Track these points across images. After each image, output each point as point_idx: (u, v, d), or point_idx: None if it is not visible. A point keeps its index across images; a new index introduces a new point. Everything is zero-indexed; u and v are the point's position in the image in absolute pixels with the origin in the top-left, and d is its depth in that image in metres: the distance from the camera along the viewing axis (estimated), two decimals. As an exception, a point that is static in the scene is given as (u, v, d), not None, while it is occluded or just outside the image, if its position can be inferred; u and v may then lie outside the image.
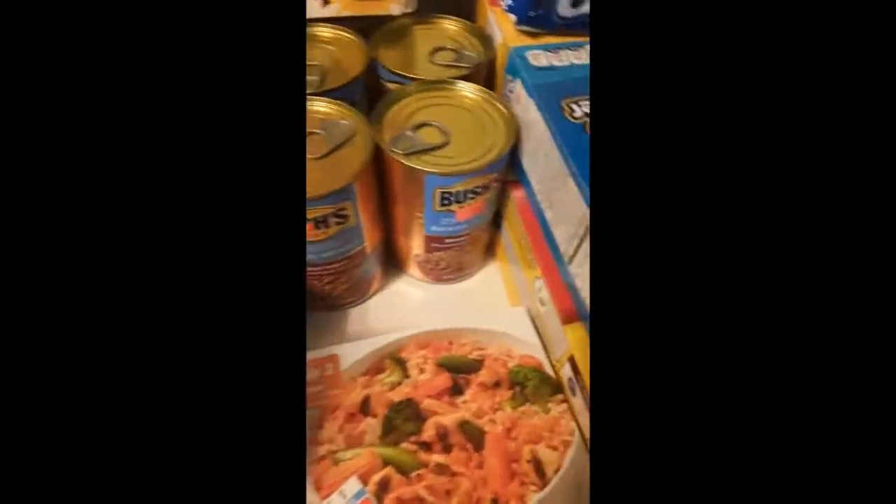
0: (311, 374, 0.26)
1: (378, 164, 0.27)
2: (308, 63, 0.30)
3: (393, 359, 0.27)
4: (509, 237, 0.34)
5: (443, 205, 0.28)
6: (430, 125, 0.28)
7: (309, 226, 0.25)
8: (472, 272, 0.37)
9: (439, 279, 0.36)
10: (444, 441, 0.24)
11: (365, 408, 0.25)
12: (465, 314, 0.32)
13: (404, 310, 0.35)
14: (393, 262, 0.36)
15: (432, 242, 0.32)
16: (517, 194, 0.31)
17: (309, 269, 0.29)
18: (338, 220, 0.26)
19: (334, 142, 0.26)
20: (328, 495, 0.23)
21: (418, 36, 0.34)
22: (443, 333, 0.29)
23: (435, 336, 0.29)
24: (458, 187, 0.27)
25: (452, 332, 0.29)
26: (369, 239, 0.30)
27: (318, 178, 0.25)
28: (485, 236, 0.35)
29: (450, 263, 0.34)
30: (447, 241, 0.32)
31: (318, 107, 0.28)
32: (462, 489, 0.23)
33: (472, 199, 0.29)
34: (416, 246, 0.33)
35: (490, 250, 0.37)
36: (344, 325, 0.34)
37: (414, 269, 0.36)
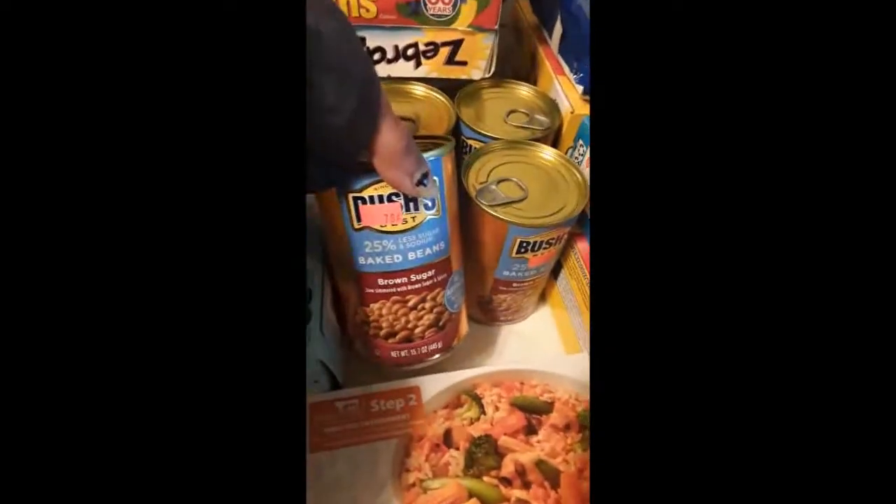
0: (394, 404, 0.28)
1: (464, 210, 0.30)
2: (404, 115, 0.33)
3: (469, 395, 0.29)
4: (568, 285, 0.36)
5: (518, 253, 0.31)
6: (510, 181, 0.31)
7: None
8: (527, 315, 0.39)
9: (496, 319, 0.38)
10: (522, 478, 0.26)
11: (448, 440, 0.27)
12: (528, 356, 0.34)
13: (466, 345, 0.37)
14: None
15: (500, 286, 0.34)
16: (581, 246, 0.34)
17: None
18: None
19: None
20: (416, 524, 0.24)
21: (494, 99, 0.37)
22: (514, 374, 0.30)
23: (506, 375, 0.30)
24: (536, 238, 0.30)
25: (523, 373, 0.30)
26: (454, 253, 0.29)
27: None
28: (544, 283, 0.37)
29: (510, 306, 0.37)
30: (514, 284, 0.34)
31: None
32: (544, 525, 0.24)
33: (545, 248, 0.31)
34: (484, 288, 0.35)
35: (543, 297, 0.40)
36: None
37: (473, 310, 0.38)
